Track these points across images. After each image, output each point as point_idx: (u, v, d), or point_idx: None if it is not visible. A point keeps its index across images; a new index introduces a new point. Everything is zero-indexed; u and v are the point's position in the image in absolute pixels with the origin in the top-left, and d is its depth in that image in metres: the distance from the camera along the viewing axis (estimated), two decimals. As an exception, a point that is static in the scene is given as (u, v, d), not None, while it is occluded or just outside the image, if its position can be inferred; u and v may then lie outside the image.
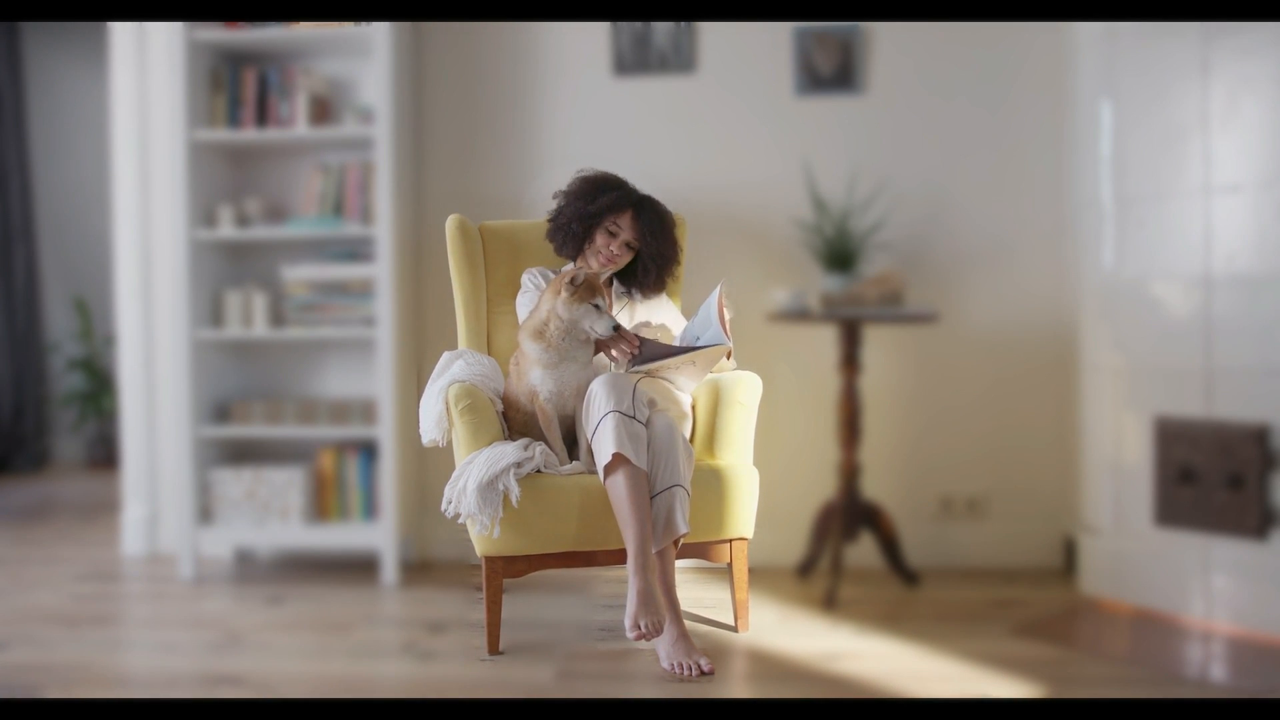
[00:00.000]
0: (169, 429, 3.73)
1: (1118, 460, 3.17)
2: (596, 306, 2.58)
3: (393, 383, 3.41)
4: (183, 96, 3.45)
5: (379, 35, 3.38)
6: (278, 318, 3.60)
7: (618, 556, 2.59)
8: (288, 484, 3.50)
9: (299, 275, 3.54)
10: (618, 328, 2.59)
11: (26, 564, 3.78)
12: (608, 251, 2.84)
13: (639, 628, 2.38)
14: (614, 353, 2.66)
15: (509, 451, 2.57)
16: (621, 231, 2.84)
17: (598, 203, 2.83)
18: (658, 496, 2.51)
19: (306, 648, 2.81)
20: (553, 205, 2.91)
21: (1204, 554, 2.93)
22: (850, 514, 3.26)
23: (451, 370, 2.75)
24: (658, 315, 2.91)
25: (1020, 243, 3.51)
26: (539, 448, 2.62)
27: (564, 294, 2.58)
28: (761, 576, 3.20)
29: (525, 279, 2.92)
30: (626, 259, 2.87)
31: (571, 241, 2.87)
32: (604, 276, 2.63)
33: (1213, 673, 2.69)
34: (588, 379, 2.61)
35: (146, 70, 3.76)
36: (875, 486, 3.42)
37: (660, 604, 2.43)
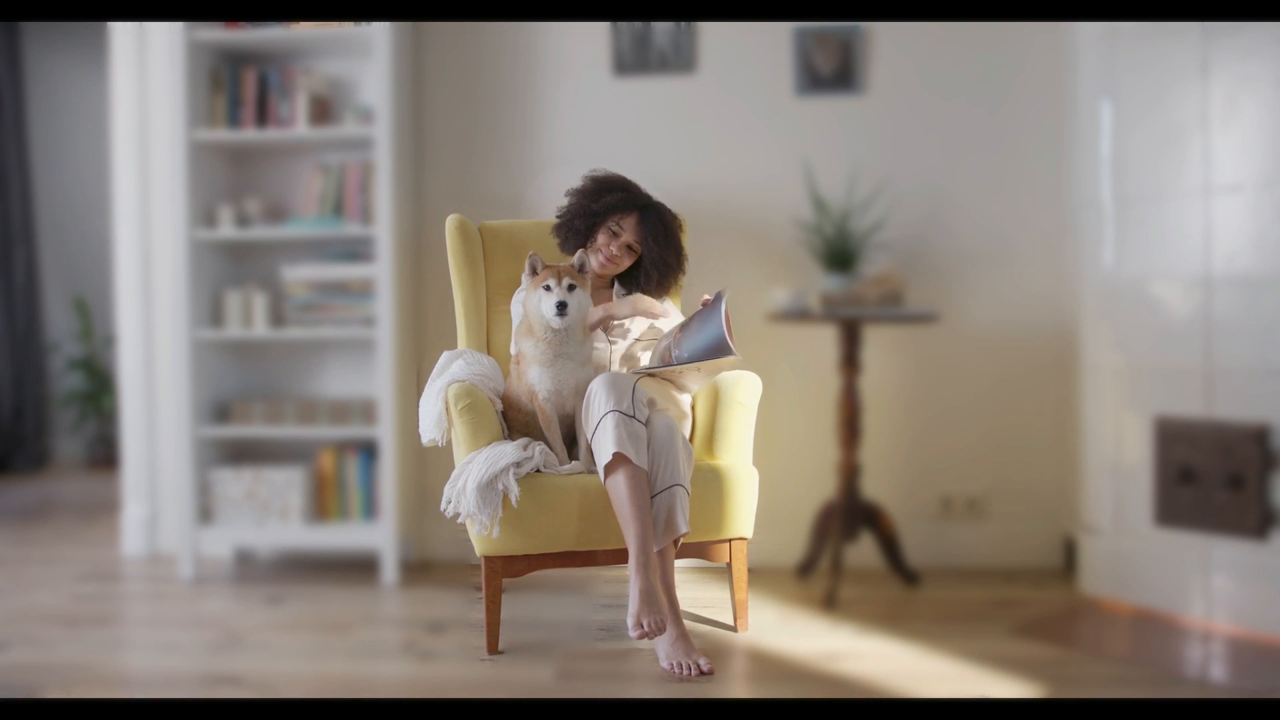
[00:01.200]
0: (169, 429, 3.73)
1: (1118, 460, 3.17)
2: (547, 288, 2.58)
3: (393, 383, 3.41)
4: (183, 96, 3.45)
5: (379, 35, 3.38)
6: (278, 318, 3.60)
7: (617, 556, 2.59)
8: (288, 484, 3.50)
9: (299, 275, 3.54)
10: (563, 306, 2.56)
11: (26, 564, 3.78)
12: (608, 251, 2.83)
13: (641, 626, 2.37)
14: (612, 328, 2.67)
15: (508, 451, 2.57)
16: (624, 233, 2.83)
17: (602, 201, 2.82)
18: (658, 496, 2.50)
19: (306, 648, 2.81)
20: (563, 203, 2.91)
21: (1204, 554, 2.93)
22: (850, 514, 3.26)
23: (451, 370, 2.75)
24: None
25: (1020, 243, 3.51)
26: (538, 447, 2.62)
27: (526, 282, 2.61)
28: (761, 576, 3.20)
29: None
30: (627, 262, 2.87)
31: (574, 238, 2.86)
32: (581, 267, 2.63)
33: (1213, 673, 2.69)
34: (586, 378, 2.61)
35: (146, 70, 3.76)
36: (875, 486, 3.42)
37: (662, 603, 2.43)
